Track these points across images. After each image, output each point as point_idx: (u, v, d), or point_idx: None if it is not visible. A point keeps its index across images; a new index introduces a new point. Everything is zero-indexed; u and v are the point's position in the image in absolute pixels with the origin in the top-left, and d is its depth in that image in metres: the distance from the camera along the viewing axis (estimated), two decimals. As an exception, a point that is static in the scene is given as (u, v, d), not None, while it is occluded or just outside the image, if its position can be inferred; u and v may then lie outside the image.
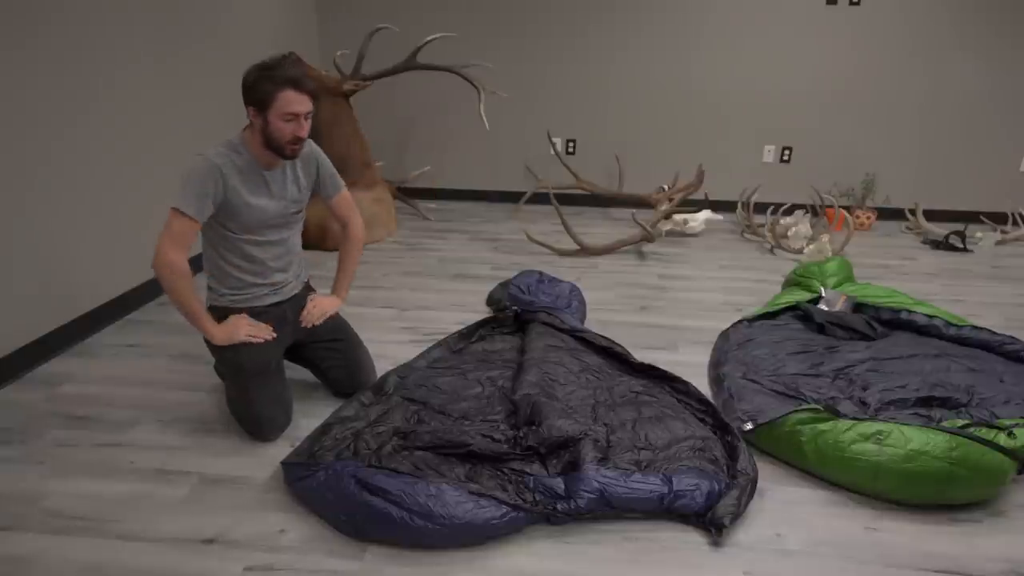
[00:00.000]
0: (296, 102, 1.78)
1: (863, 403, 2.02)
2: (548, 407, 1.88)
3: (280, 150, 1.84)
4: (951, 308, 2.93)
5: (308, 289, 2.18)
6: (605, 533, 1.58)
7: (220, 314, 1.96)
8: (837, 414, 1.83)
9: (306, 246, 3.49)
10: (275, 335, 1.98)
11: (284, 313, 2.04)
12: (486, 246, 3.87)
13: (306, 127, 1.84)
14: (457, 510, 1.51)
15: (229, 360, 1.91)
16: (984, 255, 3.89)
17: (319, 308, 2.11)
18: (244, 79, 1.79)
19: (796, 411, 1.84)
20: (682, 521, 1.61)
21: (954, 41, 4.21)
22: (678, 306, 3.02)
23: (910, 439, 1.66)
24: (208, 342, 1.93)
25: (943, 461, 1.61)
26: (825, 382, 2.16)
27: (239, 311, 1.96)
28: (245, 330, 1.92)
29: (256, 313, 1.98)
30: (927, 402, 2.00)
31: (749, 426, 1.89)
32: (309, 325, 2.08)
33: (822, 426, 1.79)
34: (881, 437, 1.68)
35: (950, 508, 1.67)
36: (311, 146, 2.01)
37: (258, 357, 1.92)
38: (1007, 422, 1.81)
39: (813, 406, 1.86)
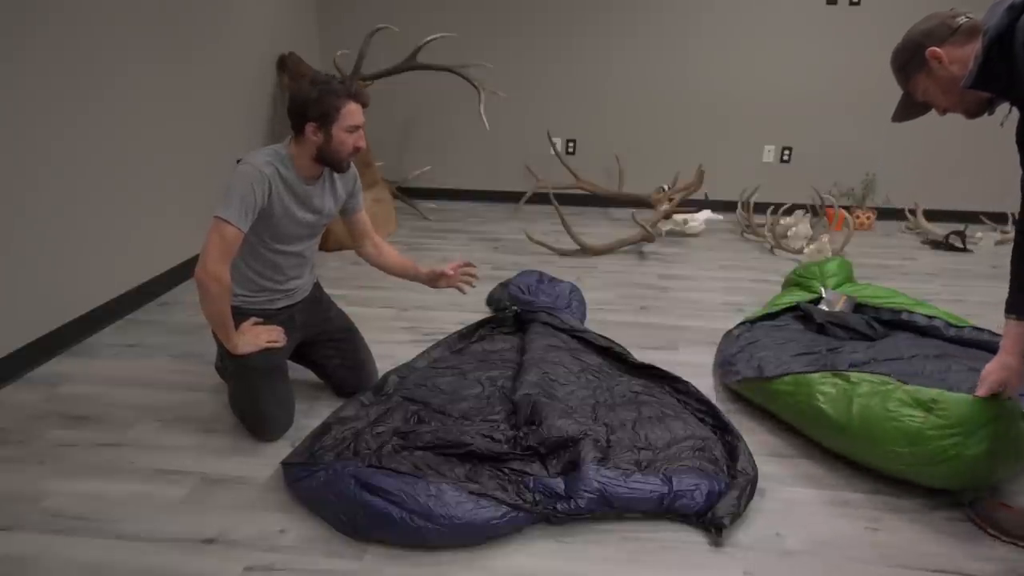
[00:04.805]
0: (358, 114, 1.81)
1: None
2: (548, 407, 1.88)
3: (339, 163, 1.86)
4: (951, 308, 2.93)
5: (317, 289, 2.18)
6: (605, 533, 1.58)
7: None
8: None
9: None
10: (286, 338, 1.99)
11: (293, 316, 2.04)
12: (486, 246, 3.87)
13: (364, 138, 1.86)
14: (457, 510, 1.51)
15: (238, 359, 1.90)
16: (984, 255, 3.89)
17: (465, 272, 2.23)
18: (303, 97, 1.77)
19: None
20: (682, 521, 1.61)
21: (954, 41, 4.21)
22: (678, 306, 3.02)
23: (960, 416, 1.58)
24: (216, 338, 1.93)
25: (984, 444, 1.55)
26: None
27: (248, 312, 1.96)
28: (265, 337, 1.92)
29: (266, 316, 1.98)
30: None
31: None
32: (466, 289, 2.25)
33: (885, 387, 1.77)
34: (933, 406, 1.63)
35: (950, 508, 1.67)
36: None
37: (267, 357, 1.92)
38: None
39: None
